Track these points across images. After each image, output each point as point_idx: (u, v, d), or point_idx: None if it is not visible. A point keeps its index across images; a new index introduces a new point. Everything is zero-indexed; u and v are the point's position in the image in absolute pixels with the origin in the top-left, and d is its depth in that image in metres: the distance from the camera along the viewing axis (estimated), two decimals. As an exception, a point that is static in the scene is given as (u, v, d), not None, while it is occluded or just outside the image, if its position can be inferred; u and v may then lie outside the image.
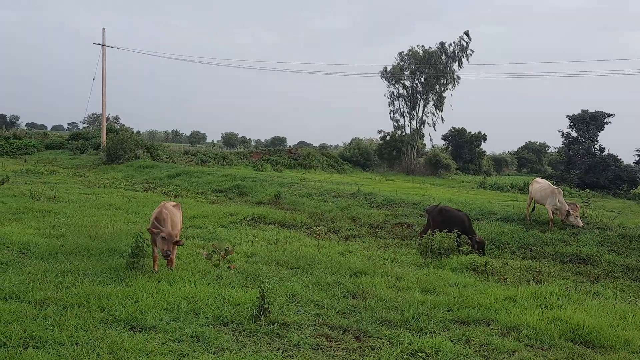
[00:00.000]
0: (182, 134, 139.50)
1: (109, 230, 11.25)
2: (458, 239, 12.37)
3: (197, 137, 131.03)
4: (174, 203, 9.21)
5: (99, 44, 39.62)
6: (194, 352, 5.42)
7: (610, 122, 49.81)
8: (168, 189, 21.74)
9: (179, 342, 5.63)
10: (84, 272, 7.85)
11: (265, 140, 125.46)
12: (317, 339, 6.05)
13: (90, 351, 5.22)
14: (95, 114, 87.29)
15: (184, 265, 8.68)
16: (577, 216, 13.59)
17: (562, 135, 50.43)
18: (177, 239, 8.30)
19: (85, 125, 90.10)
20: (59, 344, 5.33)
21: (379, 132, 60.62)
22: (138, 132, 70.27)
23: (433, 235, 11.53)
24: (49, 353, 5.12)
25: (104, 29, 40.32)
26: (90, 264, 8.33)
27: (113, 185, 22.41)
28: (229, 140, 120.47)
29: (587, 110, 49.97)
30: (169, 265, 8.52)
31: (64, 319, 5.92)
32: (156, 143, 44.68)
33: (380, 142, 59.91)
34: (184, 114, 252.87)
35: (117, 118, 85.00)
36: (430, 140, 62.10)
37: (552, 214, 14.04)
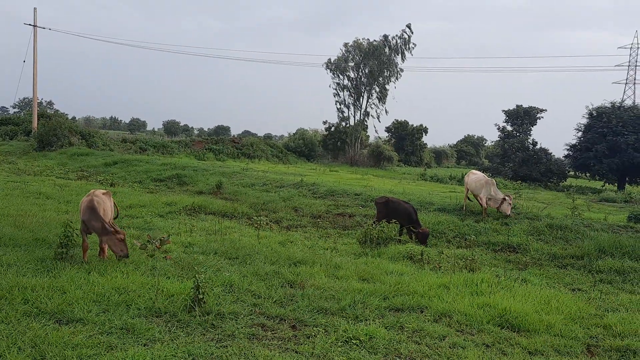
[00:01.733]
0: (121, 121, 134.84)
1: (37, 219, 10.74)
2: (401, 230, 12.67)
3: (136, 125, 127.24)
4: (103, 191, 8.88)
5: (30, 25, 37.57)
6: (123, 344, 5.26)
7: (542, 117, 52.11)
8: (104, 177, 20.97)
9: (107, 335, 5.45)
10: (8, 263, 7.46)
11: (208, 129, 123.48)
12: (253, 329, 6.02)
13: (11, 345, 4.97)
14: (26, 98, 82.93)
15: (117, 256, 8.39)
16: (509, 203, 14.19)
17: (498, 129, 52.34)
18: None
19: (15, 110, 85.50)
20: (-24, 339, 5.04)
21: (324, 123, 60.83)
22: (73, 118, 67.42)
23: (374, 225, 11.79)
24: (-35, 348, 4.84)
25: (35, 8, 38.23)
26: (15, 254, 7.93)
27: (44, 173, 21.41)
28: (171, 128, 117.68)
29: (522, 105, 52.03)
30: (100, 255, 8.23)
31: (-17, 313, 5.61)
32: (92, 130, 42.87)
33: (325, 133, 60.13)
34: (124, 101, 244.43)
35: (50, 103, 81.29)
36: (376, 132, 63.06)
37: (486, 203, 14.56)
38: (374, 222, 12.64)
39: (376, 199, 13.49)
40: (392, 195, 15.34)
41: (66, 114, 51.18)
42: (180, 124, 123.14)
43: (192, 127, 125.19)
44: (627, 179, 42.22)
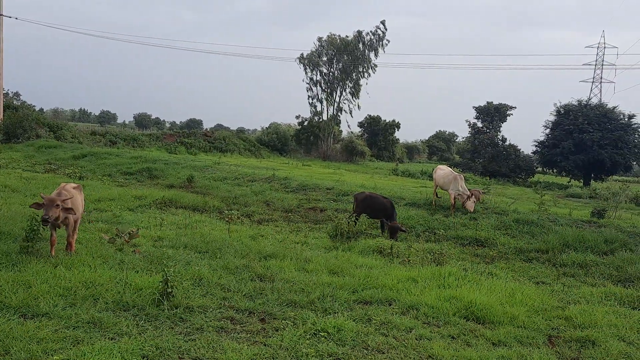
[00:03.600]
0: (90, 113, 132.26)
1: (2, 213, 10.49)
2: (382, 224, 12.87)
3: (106, 117, 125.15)
4: (74, 185, 8.73)
5: (-5, 13, 36.46)
6: (90, 338, 5.21)
7: (512, 114, 53.15)
8: (72, 170, 20.56)
9: (74, 329, 5.40)
10: (-29, 258, 7.29)
11: (180, 122, 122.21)
12: (222, 322, 6.03)
13: (-27, 340, 4.88)
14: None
15: (85, 250, 8.28)
16: (474, 201, 14.46)
17: (469, 125, 53.17)
18: (68, 205, 7.70)
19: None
20: (-63, 334, 4.93)
21: (297, 117, 60.80)
22: (41, 110, 65.92)
23: (355, 219, 12.17)
24: None
25: (1, -4, 37.14)
26: (-22, 248, 7.74)
27: (10, 166, 20.89)
28: (142, 121, 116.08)
29: (492, 102, 52.98)
30: (68, 249, 8.11)
31: (-56, 308, 5.49)
32: (61, 122, 41.91)
33: (298, 127, 60.10)
34: (93, 93, 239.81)
35: (17, 94, 78.78)
36: (348, 126, 63.22)
37: (454, 199, 14.81)
38: (350, 216, 12.81)
39: (356, 194, 13.66)
40: (364, 190, 15.50)
41: (33, 106, 49.97)
42: (152, 117, 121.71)
43: (163, 120, 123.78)
44: (592, 175, 43.36)
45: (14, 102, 48.47)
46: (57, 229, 7.99)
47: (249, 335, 5.76)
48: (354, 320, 6.39)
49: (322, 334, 5.85)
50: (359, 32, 57.32)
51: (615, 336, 6.58)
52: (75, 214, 7.94)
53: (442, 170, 15.94)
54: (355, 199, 13.37)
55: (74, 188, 8.47)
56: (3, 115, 35.21)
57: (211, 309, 6.38)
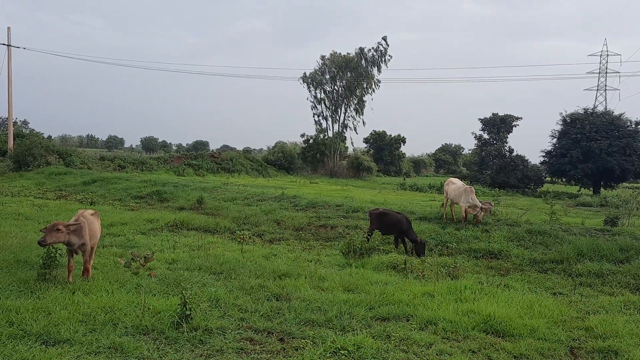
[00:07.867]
0: (97, 138, 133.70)
1: (17, 241, 10.59)
2: (396, 240, 12.92)
3: (114, 142, 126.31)
4: (92, 211, 8.80)
5: (4, 44, 37.14)
6: (112, 363, 5.23)
7: (518, 125, 53.08)
8: (83, 196, 20.73)
9: (95, 354, 5.41)
10: (-10, 286, 7.34)
11: (187, 144, 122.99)
12: (241, 343, 6.03)
13: (-3, 369, 4.91)
14: (0, 118, 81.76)
15: (101, 275, 8.33)
16: (483, 214, 14.49)
17: (475, 137, 53.15)
18: (69, 228, 7.64)
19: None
20: (-39, 364, 4.97)
21: (302, 135, 61.09)
22: (49, 137, 66.58)
23: (369, 236, 12.27)
24: (-50, 374, 4.77)
25: (9, 28, 37.87)
26: (-4, 277, 7.80)
27: (22, 194, 21.08)
28: (149, 144, 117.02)
29: (497, 113, 52.96)
30: (84, 274, 8.16)
31: (-34, 337, 5.52)
32: (69, 148, 42.27)
33: (304, 145, 60.33)
34: (100, 118, 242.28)
35: (25, 122, 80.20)
36: (352, 143, 63.48)
37: (465, 211, 14.78)
38: (365, 233, 12.80)
39: (370, 210, 13.63)
40: (376, 207, 15.51)
41: (42, 133, 50.35)
42: (159, 140, 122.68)
43: (170, 143, 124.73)
44: (602, 183, 43.08)
45: (23, 131, 49.02)
46: (74, 254, 8.05)
47: (269, 355, 5.75)
48: (373, 338, 6.36)
49: (342, 352, 5.83)
50: (361, 49, 57.83)
51: (637, 345, 6.51)
52: (84, 240, 7.94)
53: (454, 184, 15.91)
54: (369, 215, 13.34)
55: (91, 215, 8.55)
56: (13, 144, 35.62)
57: (230, 330, 6.38)
